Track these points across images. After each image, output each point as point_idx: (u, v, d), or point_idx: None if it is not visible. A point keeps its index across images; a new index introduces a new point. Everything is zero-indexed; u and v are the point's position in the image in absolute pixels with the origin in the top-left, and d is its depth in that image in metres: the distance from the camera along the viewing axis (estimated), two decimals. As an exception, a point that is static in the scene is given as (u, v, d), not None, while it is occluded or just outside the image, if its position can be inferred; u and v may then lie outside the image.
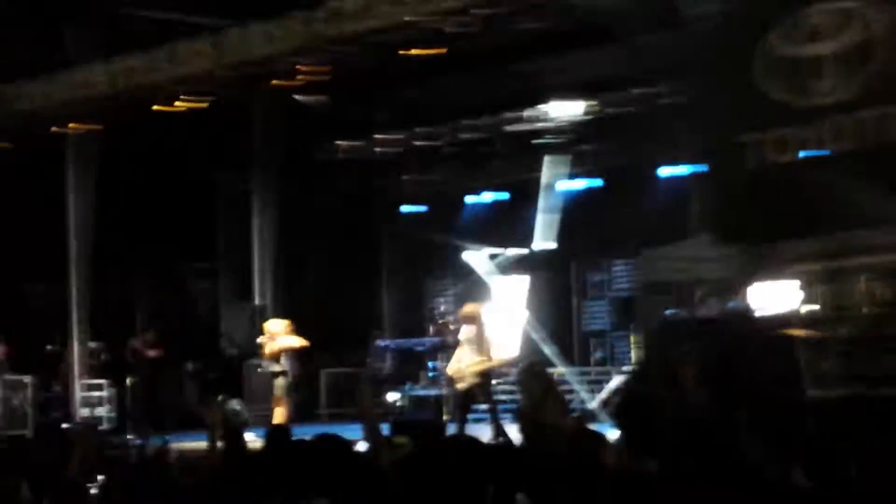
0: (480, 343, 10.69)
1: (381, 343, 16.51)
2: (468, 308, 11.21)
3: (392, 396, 15.00)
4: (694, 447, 4.29)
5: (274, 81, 12.00)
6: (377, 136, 17.14)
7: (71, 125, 13.23)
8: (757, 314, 10.06)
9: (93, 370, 14.46)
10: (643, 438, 4.62)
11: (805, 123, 9.40)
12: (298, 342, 12.31)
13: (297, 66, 11.59)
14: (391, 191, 17.78)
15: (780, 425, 4.38)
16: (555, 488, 4.11)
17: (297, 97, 14.82)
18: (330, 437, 5.02)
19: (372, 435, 5.02)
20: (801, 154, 9.45)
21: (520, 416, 6.18)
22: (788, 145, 9.50)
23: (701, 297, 11.84)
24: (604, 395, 13.33)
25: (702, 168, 12.72)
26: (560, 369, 13.37)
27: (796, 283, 9.52)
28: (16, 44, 13.62)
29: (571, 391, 13.08)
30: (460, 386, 10.74)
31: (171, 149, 15.44)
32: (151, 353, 14.36)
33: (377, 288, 18.29)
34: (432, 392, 14.89)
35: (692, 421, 4.92)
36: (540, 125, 15.54)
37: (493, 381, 10.90)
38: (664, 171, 14.65)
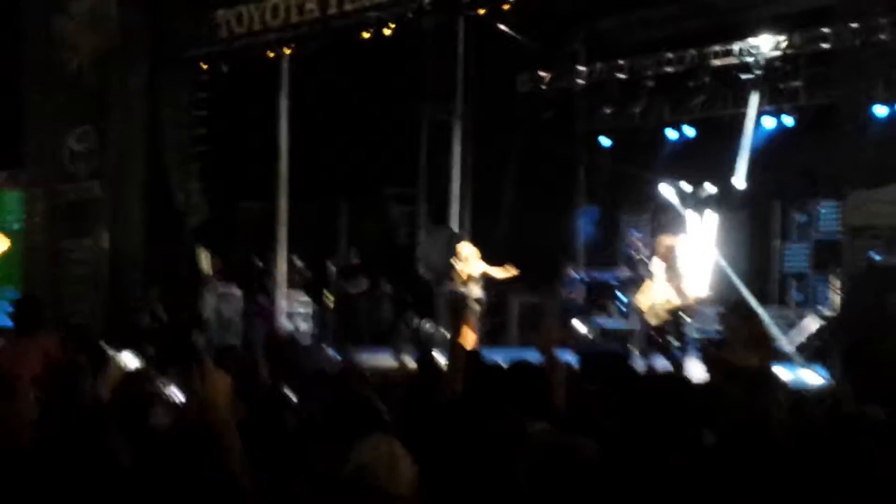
0: (673, 278, 10.61)
1: (573, 274, 16.55)
2: (663, 241, 11.09)
3: (580, 326, 15.09)
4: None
5: (479, 10, 12.06)
6: (578, 67, 17.09)
7: (286, 50, 13.72)
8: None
9: (295, 285, 15.14)
10: (873, 385, 4.59)
11: None
12: (499, 272, 12.52)
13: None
14: (590, 122, 17.69)
15: None
16: (737, 428, 4.12)
17: (501, 27, 14.91)
18: (524, 364, 5.17)
19: (551, 365, 5.11)
20: None
21: (709, 355, 6.16)
22: None
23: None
24: (801, 337, 12.99)
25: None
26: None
27: None
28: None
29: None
30: (651, 321, 10.72)
31: (378, 77, 15.81)
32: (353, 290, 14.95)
33: (572, 219, 18.31)
34: (621, 325, 14.92)
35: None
36: (747, 59, 15.07)
37: (685, 319, 10.82)
38: (878, 111, 13.94)
